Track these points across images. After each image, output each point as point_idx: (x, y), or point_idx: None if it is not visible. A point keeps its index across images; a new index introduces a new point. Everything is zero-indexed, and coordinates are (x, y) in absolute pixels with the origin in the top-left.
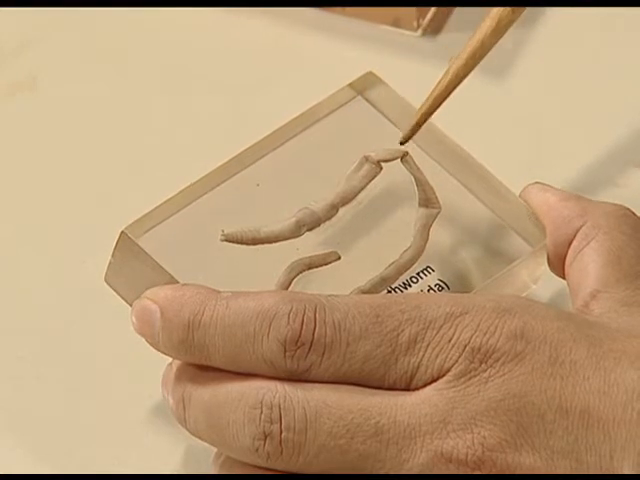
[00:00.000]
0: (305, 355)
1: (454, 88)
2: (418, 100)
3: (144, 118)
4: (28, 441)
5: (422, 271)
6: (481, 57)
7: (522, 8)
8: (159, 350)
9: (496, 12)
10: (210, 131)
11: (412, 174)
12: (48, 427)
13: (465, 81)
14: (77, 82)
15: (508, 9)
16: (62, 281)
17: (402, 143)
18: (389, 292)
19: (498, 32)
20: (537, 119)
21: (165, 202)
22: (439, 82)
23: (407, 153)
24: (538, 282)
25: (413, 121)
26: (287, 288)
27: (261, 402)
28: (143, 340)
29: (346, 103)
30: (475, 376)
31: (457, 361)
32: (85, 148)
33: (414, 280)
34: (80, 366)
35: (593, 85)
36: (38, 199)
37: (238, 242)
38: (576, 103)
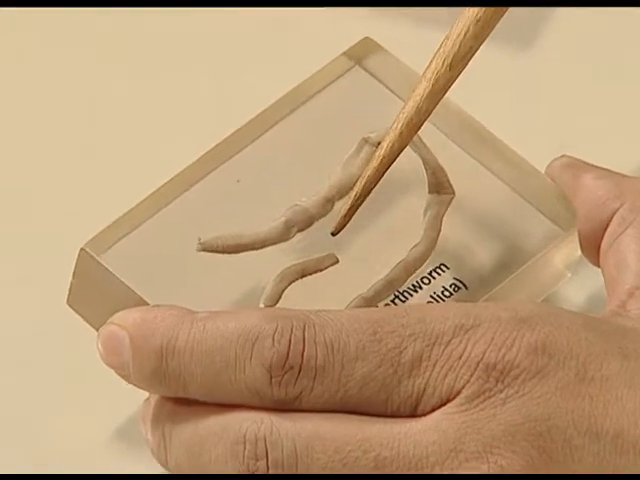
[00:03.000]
0: (294, 381)
1: (389, 164)
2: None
3: (115, 102)
4: (24, 440)
5: (434, 270)
6: (418, 125)
7: (462, 64)
8: (130, 382)
9: (432, 72)
10: (191, 116)
11: (420, 155)
12: (43, 424)
13: (485, 52)
14: (50, 64)
15: (445, 66)
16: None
17: (334, 234)
18: (396, 297)
19: (435, 95)
20: (565, 93)
21: (130, 210)
22: (373, 158)
23: None
24: (574, 270)
25: (346, 207)
26: (277, 302)
27: (244, 436)
28: None
29: (342, 75)
30: (490, 397)
31: (469, 381)
32: (53, 135)
33: (425, 281)
34: (77, 362)
35: (628, 54)
36: None
37: (218, 251)
38: (608, 74)
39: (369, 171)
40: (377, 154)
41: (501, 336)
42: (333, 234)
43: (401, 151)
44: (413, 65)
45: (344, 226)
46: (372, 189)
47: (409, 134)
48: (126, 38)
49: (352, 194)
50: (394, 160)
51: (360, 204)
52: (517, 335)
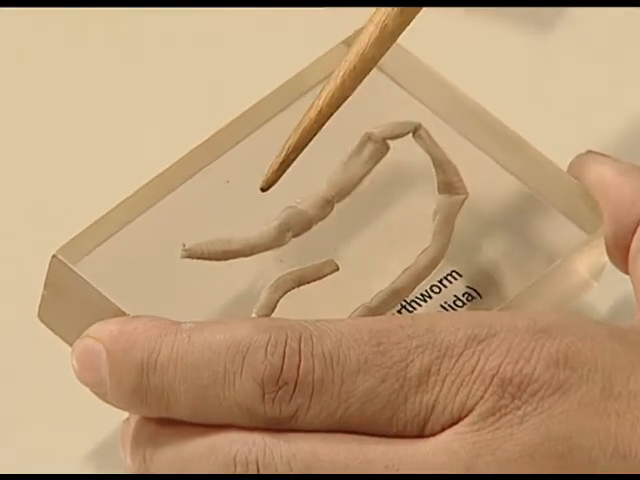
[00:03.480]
0: (289, 397)
1: (329, 116)
2: (429, 58)
3: (94, 98)
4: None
5: (445, 277)
6: (363, 74)
7: (415, 9)
8: (107, 402)
9: (381, 15)
10: (178, 110)
11: (428, 152)
12: (10, 446)
13: (499, 34)
14: (31, 58)
15: (396, 10)
16: None
17: (264, 190)
18: (403, 307)
19: (383, 41)
20: (589, 84)
21: (108, 214)
22: (311, 107)
23: (420, 126)
24: (600, 278)
25: (278, 160)
26: (271, 313)
27: (234, 458)
28: None
29: None
30: (506, 414)
31: (483, 397)
32: (26, 134)
33: (435, 290)
34: (48, 381)
35: None
36: None
37: (204, 258)
38: (636, 65)
39: (305, 122)
40: (315, 104)
41: (518, 347)
42: (263, 190)
43: (342, 102)
44: (416, 52)
45: (275, 182)
46: (308, 142)
47: (352, 83)
48: (116, 35)
49: (285, 146)
50: (334, 112)
51: (294, 159)
52: (536, 346)
